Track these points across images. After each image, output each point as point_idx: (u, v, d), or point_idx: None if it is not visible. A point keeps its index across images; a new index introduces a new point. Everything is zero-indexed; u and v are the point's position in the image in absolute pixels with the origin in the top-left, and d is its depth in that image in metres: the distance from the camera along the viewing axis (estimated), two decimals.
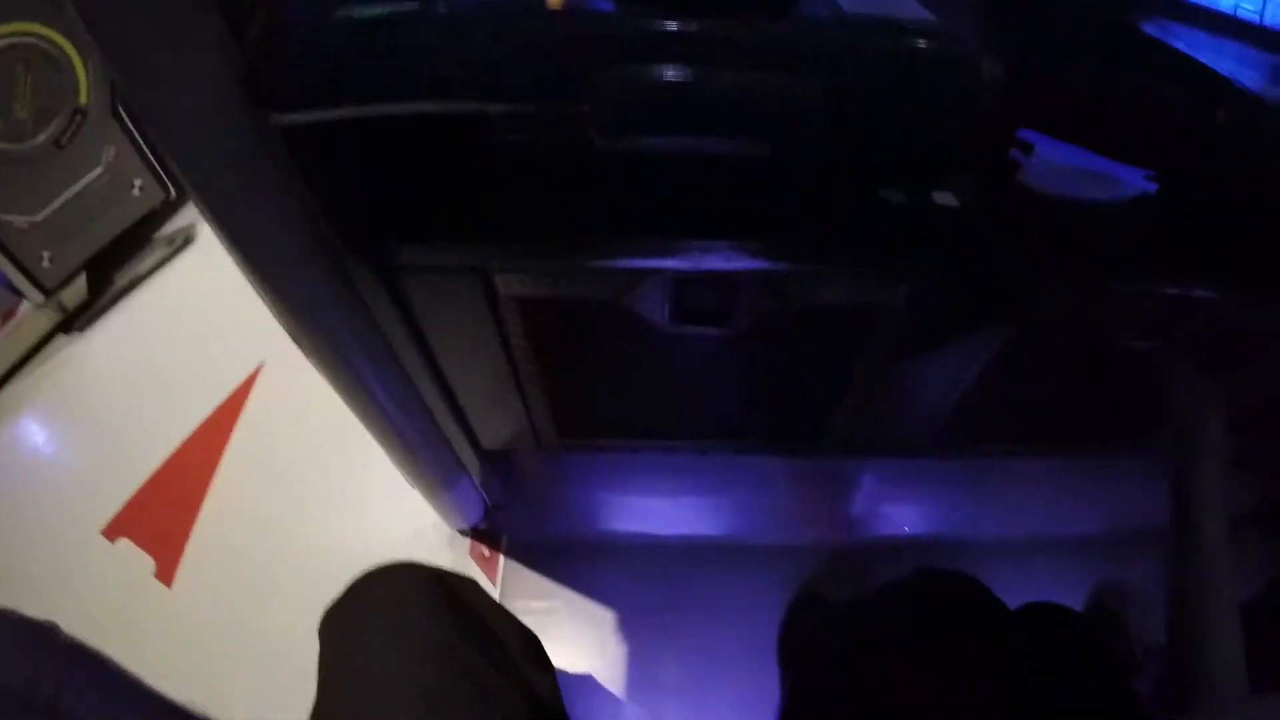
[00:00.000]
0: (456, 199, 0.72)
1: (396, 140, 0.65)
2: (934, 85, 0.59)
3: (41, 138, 1.74)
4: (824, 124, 0.60)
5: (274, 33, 0.59)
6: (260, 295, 0.70)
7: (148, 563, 1.44)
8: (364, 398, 0.86)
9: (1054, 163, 0.64)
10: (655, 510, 1.24)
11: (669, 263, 0.75)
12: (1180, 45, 0.61)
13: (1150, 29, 0.63)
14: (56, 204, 1.81)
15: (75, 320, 1.93)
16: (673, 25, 0.57)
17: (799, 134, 0.61)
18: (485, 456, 1.09)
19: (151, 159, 1.97)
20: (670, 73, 0.57)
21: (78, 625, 1.35)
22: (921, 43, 0.58)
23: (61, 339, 1.92)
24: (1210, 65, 0.59)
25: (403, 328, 0.83)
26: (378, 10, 0.59)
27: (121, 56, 0.52)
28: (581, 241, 0.74)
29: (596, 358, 0.93)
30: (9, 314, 1.87)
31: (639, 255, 0.74)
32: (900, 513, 1.28)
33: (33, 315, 1.87)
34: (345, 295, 0.75)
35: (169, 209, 2.09)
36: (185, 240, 2.08)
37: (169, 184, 2.03)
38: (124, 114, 1.86)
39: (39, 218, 1.78)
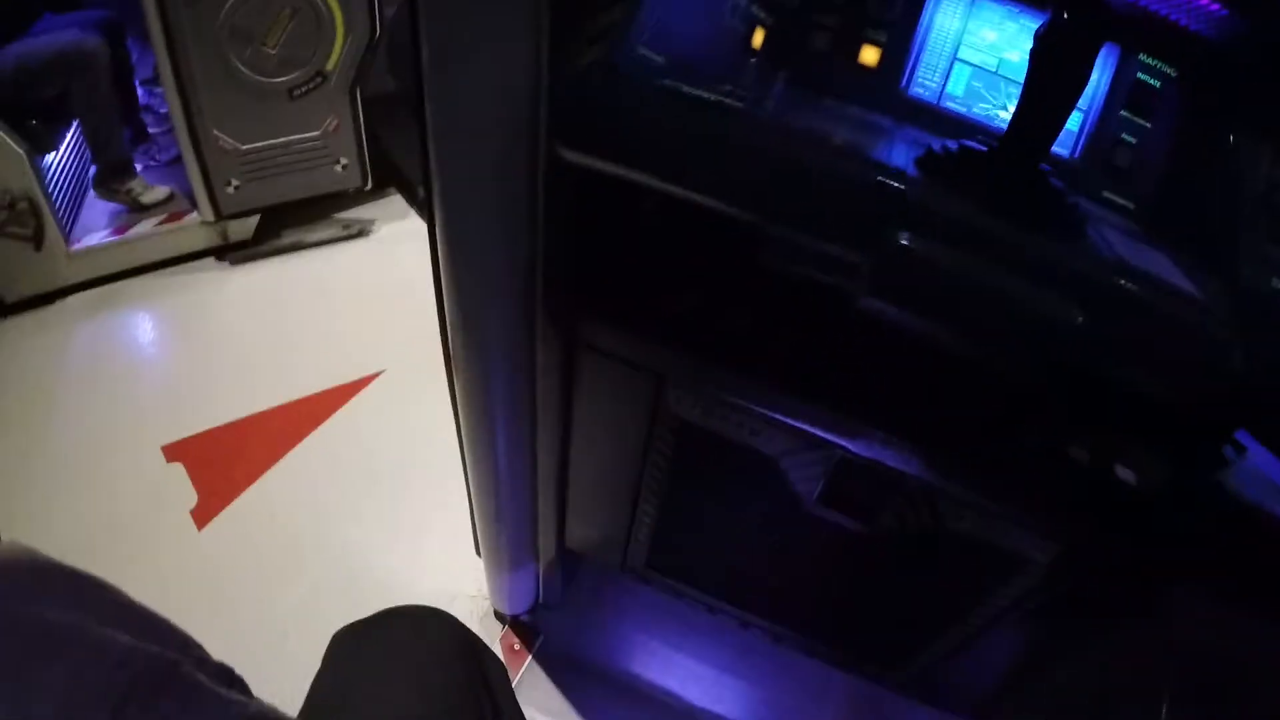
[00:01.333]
0: (675, 297, 0.70)
1: (650, 215, 0.64)
2: (1174, 352, 0.55)
3: (280, 80, 1.85)
4: (1063, 352, 0.57)
5: (596, 75, 0.59)
6: (446, 301, 0.70)
7: (190, 497, 1.42)
8: (486, 444, 0.83)
9: (1260, 471, 0.60)
10: (697, 676, 1.15)
11: (843, 441, 0.70)
12: None
13: None
14: (265, 143, 1.91)
15: (231, 253, 2.01)
16: (969, 212, 0.55)
17: (1038, 353, 0.59)
18: (562, 553, 1.04)
19: (363, 147, 2.06)
20: (953, 258, 0.54)
21: (97, 516, 1.34)
22: (1179, 307, 0.54)
23: (210, 262, 2.00)
24: None
25: (556, 396, 0.80)
26: (704, 94, 0.58)
27: (443, 41, 0.53)
28: (774, 388, 0.70)
29: (724, 507, 0.89)
30: (176, 217, 1.97)
31: (822, 425, 0.70)
32: None
33: (196, 228, 1.96)
34: (522, 342, 0.73)
35: (358, 198, 2.20)
36: (360, 231, 2.17)
37: (368, 175, 2.13)
38: (359, 97, 1.97)
39: (244, 147, 1.88)
